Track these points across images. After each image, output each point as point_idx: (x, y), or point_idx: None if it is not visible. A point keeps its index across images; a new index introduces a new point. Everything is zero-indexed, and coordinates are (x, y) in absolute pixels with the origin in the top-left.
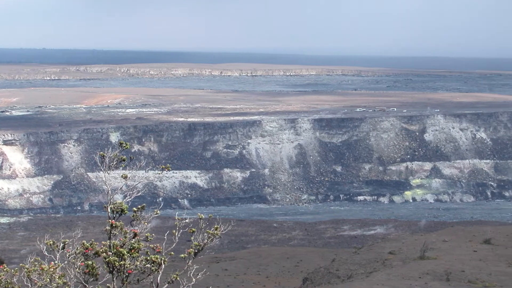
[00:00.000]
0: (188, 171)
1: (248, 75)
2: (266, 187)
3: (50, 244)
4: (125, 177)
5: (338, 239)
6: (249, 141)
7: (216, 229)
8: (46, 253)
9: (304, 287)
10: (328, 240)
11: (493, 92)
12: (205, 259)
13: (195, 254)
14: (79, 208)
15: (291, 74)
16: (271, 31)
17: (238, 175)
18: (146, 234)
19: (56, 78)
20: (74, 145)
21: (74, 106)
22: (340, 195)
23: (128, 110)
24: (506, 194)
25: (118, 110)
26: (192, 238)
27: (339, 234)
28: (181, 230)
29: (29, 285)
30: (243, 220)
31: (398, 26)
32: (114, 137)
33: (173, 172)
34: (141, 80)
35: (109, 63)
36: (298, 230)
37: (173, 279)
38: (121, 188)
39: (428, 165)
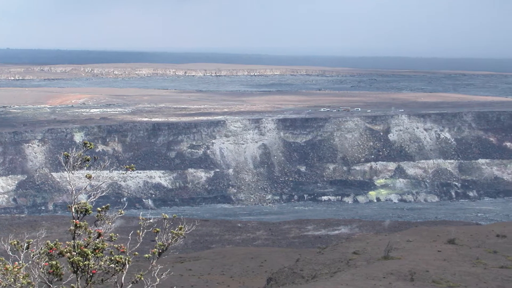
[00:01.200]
0: (152, 171)
1: (213, 75)
2: (230, 187)
3: (14, 244)
4: (89, 177)
5: (302, 239)
6: (213, 141)
7: (180, 229)
8: (10, 253)
9: (268, 287)
10: (292, 240)
11: (457, 92)
12: (169, 259)
13: (159, 254)
14: (43, 208)
15: (255, 74)
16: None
17: (202, 175)
18: (110, 234)
19: (20, 78)
20: (38, 145)
21: (39, 106)
22: (304, 195)
23: (92, 110)
24: (470, 194)
25: (82, 110)
26: (156, 238)
27: (303, 234)
28: (145, 230)
29: None
30: (207, 220)
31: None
32: (78, 137)
33: (137, 172)
34: (106, 80)
35: (74, 63)
36: (262, 230)
37: (137, 279)
38: (85, 188)
39: (392, 165)
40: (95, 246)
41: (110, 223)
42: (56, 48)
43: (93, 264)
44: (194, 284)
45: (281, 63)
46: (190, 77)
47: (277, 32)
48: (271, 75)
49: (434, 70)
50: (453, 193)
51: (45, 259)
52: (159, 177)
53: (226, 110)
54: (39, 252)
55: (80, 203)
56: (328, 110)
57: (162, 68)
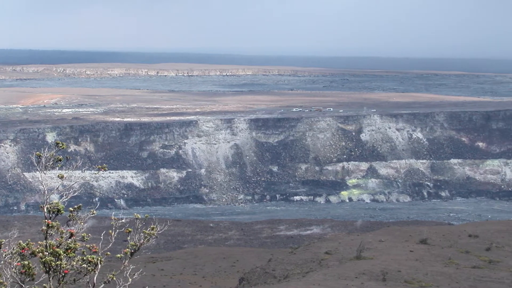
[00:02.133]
0: (124, 171)
1: (185, 75)
2: (203, 187)
3: None
4: (62, 177)
5: (275, 239)
6: (185, 141)
7: (152, 229)
8: None
9: (241, 287)
10: (265, 240)
11: (429, 92)
12: (142, 259)
13: (132, 254)
14: (15, 208)
15: (228, 74)
16: (207, 32)
17: (174, 175)
18: (83, 234)
19: None
20: (10, 145)
21: (11, 106)
22: (277, 195)
23: (64, 110)
24: (442, 194)
25: (54, 110)
26: (128, 238)
27: (276, 234)
28: (117, 230)
29: None
30: (179, 220)
31: (333, 26)
32: (50, 137)
33: (110, 172)
34: (78, 80)
35: (46, 63)
36: (235, 230)
37: (110, 279)
38: (57, 188)
39: (364, 165)
40: (67, 246)
41: (82, 223)
42: (28, 48)
43: (65, 264)
44: (166, 284)
45: (253, 63)
46: (163, 77)
47: (249, 32)
48: (243, 75)
49: (406, 70)
50: (425, 193)
51: (17, 259)
52: (131, 177)
53: (198, 110)
54: (11, 252)
55: (52, 203)
56: (300, 110)
57: (134, 68)
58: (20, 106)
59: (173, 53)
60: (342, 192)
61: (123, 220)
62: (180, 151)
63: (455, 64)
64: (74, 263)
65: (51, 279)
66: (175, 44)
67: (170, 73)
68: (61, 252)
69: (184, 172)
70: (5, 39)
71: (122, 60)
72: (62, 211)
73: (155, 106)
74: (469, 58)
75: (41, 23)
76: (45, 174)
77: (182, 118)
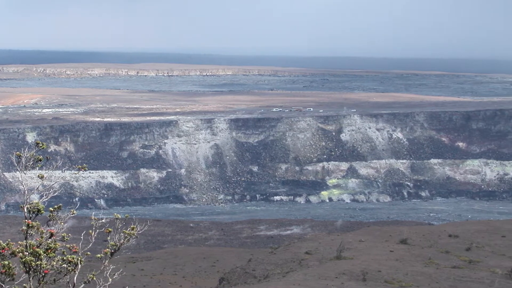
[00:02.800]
0: (104, 171)
1: (165, 75)
2: (183, 187)
3: None
4: (42, 177)
5: (255, 239)
6: (165, 141)
7: (132, 229)
8: None
9: (221, 287)
10: (245, 240)
11: (409, 92)
12: (122, 259)
13: (111, 254)
14: None
15: (208, 74)
16: (186, 32)
17: (154, 175)
18: (63, 234)
19: None
20: None
21: None
22: (257, 195)
23: (44, 110)
24: (422, 194)
25: (34, 110)
26: (108, 238)
27: (256, 234)
28: (97, 230)
29: None
30: (159, 220)
31: (313, 26)
32: (30, 137)
33: (90, 172)
34: (58, 80)
35: (26, 63)
36: (215, 230)
37: (90, 279)
38: (37, 188)
39: (344, 165)
40: (47, 246)
41: (62, 223)
42: (8, 48)
43: (46, 264)
44: (146, 284)
45: (233, 63)
46: (143, 77)
47: (228, 32)
48: (223, 75)
49: (386, 70)
50: (405, 193)
51: None
52: (111, 177)
53: (178, 110)
54: None
55: (32, 203)
56: (280, 110)
57: (114, 68)
58: (0, 106)
59: (153, 54)
60: (322, 192)
61: (103, 220)
62: (160, 151)
63: (435, 64)
64: (54, 263)
65: (31, 279)
66: (155, 44)
67: (150, 73)
68: (41, 252)
69: (164, 172)
70: None
71: (101, 60)
72: (42, 211)
73: (135, 106)
74: (449, 58)
75: (20, 23)
76: (25, 174)
77: (162, 118)
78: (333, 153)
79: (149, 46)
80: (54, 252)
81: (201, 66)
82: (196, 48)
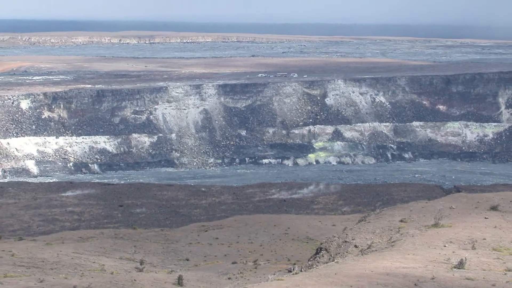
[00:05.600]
0: (97, 136)
1: (146, 42)
2: (174, 152)
3: None
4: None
5: (268, 203)
6: (156, 106)
7: None
8: None
9: (320, 257)
10: (258, 203)
11: (386, 57)
12: (195, 228)
13: None
14: None
15: (188, 41)
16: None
17: (146, 139)
18: None
19: None
20: None
21: None
22: (246, 159)
23: (35, 78)
24: (406, 155)
25: (25, 77)
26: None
27: (268, 198)
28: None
29: None
30: (171, 185)
31: None
32: (24, 104)
33: (83, 138)
34: (43, 49)
35: (9, 31)
36: (227, 194)
37: None
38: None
39: (330, 129)
40: None
41: None
42: None
43: None
44: (227, 253)
45: (210, 31)
46: (125, 45)
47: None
48: (203, 41)
49: (360, 36)
50: (389, 155)
51: None
52: (104, 142)
53: (166, 76)
54: None
55: None
56: (265, 76)
57: (97, 36)
58: None
59: (133, 21)
60: (309, 155)
61: None
62: (151, 116)
63: (406, 30)
64: None
65: None
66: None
67: (132, 41)
68: None
69: (155, 137)
70: None
71: (81, 29)
72: None
73: (123, 73)
74: (417, 24)
75: None
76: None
77: (151, 84)
78: (318, 117)
79: (128, 14)
80: None
81: (181, 34)
82: (175, 16)
